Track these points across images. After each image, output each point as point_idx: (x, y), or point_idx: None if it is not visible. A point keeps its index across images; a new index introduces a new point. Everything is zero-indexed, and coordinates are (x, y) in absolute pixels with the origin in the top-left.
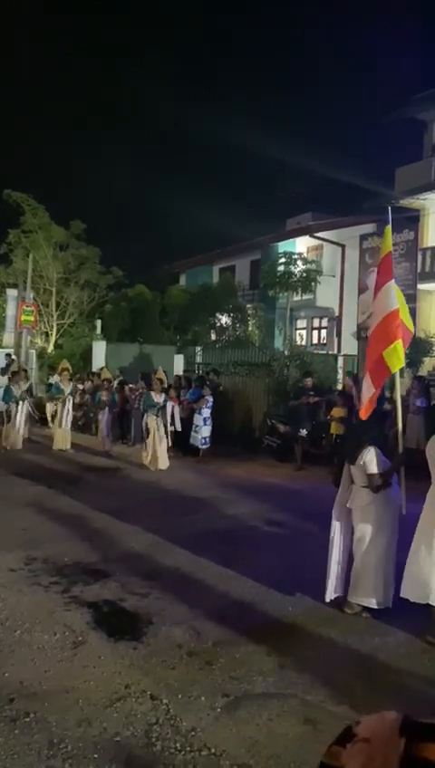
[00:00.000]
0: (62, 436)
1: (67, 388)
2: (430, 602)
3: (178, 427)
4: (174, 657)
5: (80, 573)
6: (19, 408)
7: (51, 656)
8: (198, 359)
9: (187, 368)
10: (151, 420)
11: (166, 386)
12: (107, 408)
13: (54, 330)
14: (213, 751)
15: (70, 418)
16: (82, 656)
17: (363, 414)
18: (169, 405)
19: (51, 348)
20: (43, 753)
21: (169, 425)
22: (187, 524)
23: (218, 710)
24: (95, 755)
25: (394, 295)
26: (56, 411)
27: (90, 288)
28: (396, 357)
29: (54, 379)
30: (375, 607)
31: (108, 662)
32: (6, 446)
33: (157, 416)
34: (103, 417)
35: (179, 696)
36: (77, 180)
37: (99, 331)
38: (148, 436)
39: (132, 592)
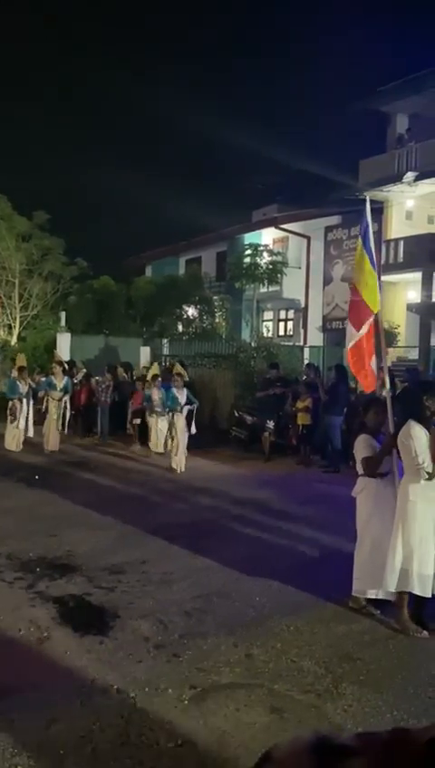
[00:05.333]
0: (54, 436)
1: (60, 383)
2: (414, 591)
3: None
4: (141, 650)
5: (45, 568)
6: (24, 406)
7: (16, 652)
8: (165, 351)
9: (153, 360)
10: (179, 419)
11: (187, 379)
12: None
13: (18, 322)
14: (181, 742)
15: (68, 416)
16: (48, 651)
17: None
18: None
19: (14, 340)
20: (8, 752)
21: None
22: (154, 517)
23: (186, 702)
24: (61, 752)
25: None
26: (47, 408)
27: (54, 279)
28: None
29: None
30: (372, 597)
31: (74, 657)
32: (8, 447)
33: (182, 413)
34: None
35: (147, 690)
36: (40, 169)
37: (63, 323)
38: (173, 436)
39: (98, 586)
